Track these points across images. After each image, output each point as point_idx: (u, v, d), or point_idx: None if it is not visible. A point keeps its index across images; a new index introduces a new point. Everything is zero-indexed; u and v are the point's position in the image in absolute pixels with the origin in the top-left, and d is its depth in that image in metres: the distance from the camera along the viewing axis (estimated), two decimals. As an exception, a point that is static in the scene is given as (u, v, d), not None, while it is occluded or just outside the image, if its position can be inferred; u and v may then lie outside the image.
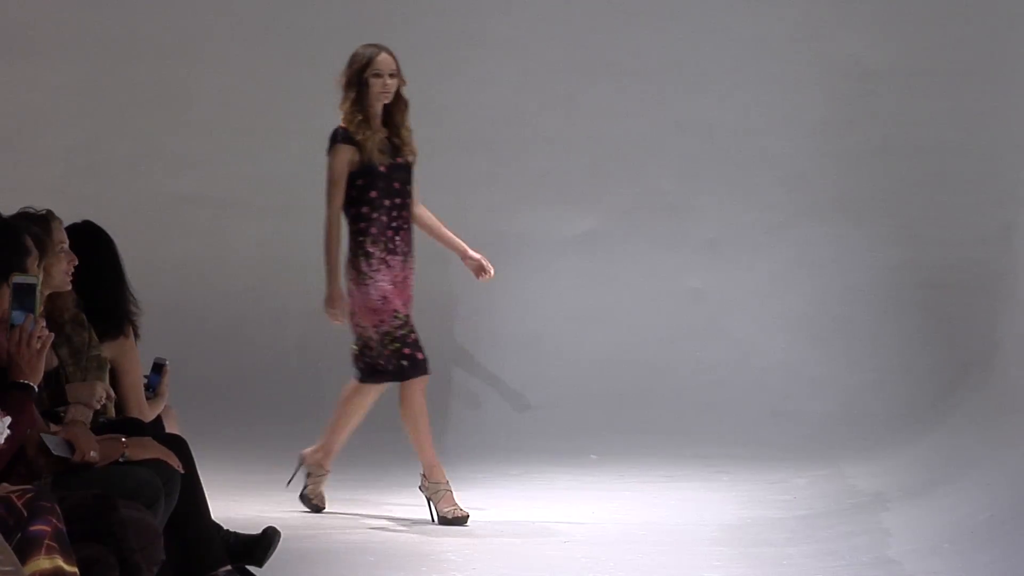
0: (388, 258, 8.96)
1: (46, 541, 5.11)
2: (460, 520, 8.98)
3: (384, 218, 8.96)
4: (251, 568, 7.33)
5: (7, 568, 4.85)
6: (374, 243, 8.96)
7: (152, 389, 7.68)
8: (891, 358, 11.29)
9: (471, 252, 9.35)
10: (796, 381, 10.86)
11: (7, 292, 6.23)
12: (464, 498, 9.91)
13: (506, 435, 11.10)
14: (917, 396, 10.96)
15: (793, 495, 9.93)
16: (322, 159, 11.86)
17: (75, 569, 5.22)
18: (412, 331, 9.05)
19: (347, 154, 8.90)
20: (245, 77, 11.93)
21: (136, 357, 7.60)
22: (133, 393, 7.52)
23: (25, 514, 5.12)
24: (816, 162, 11.33)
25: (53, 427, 6.56)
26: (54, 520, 5.24)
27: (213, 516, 7.20)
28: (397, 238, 8.98)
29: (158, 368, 7.74)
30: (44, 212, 6.89)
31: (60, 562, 5.11)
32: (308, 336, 11.72)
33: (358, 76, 8.88)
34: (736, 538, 8.75)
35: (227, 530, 7.43)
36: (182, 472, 6.80)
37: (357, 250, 9.02)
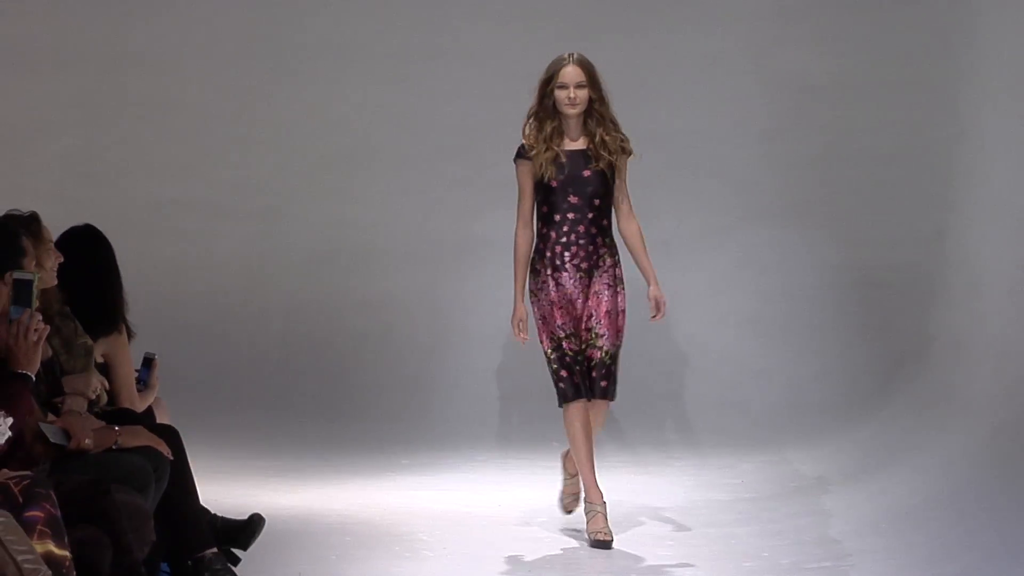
0: (555, 275, 8.17)
1: (39, 527, 5.11)
2: (602, 544, 8.09)
3: (553, 234, 8.20)
4: (235, 551, 7.31)
5: (30, 558, 4.80)
6: (540, 259, 8.26)
7: (143, 382, 7.77)
8: (831, 352, 11.31)
9: (653, 287, 8.28)
10: (743, 373, 10.89)
11: (4, 288, 6.25)
12: (432, 484, 10.03)
13: (475, 423, 11.10)
14: (856, 387, 10.99)
15: (740, 479, 9.96)
16: (299, 168, 11.93)
17: (66, 553, 5.22)
18: (566, 354, 8.13)
19: (523, 168, 8.23)
20: (228, 90, 11.91)
21: (128, 352, 7.65)
22: (125, 385, 7.54)
23: (21, 500, 5.07)
24: (761, 169, 11.36)
25: (50, 416, 6.56)
26: (48, 506, 5.24)
27: (201, 500, 7.19)
28: (567, 254, 8.15)
29: (148, 362, 7.83)
30: (30, 214, 6.86)
31: (51, 547, 5.11)
32: (289, 331, 11.74)
33: (543, 88, 8.25)
34: (687, 519, 8.79)
35: (214, 514, 7.47)
36: (171, 459, 6.87)
37: (531, 267, 8.34)
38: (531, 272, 8.26)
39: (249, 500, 8.91)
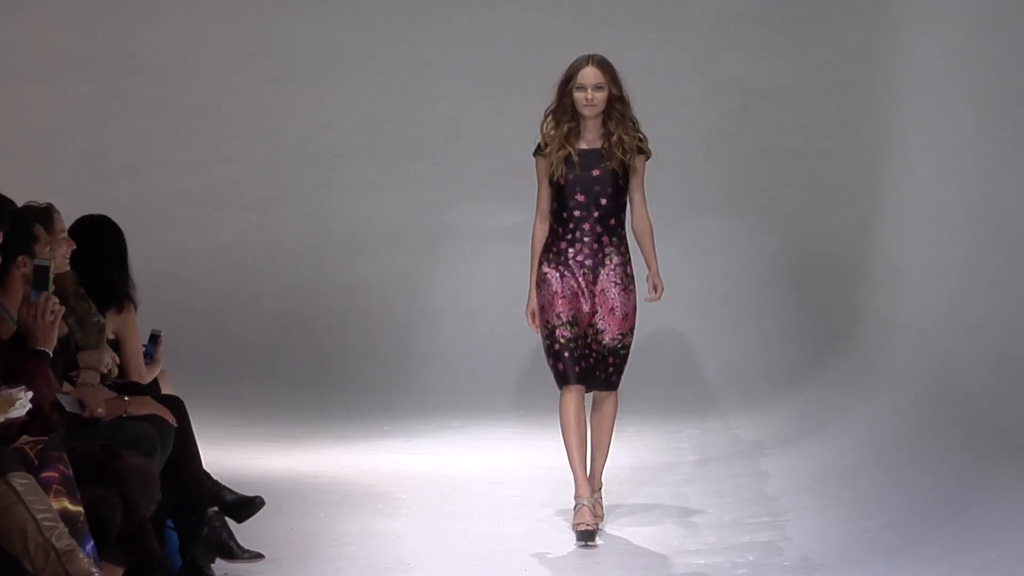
0: (560, 268, 7.48)
1: (55, 486, 5.11)
2: (585, 535, 7.31)
3: (560, 230, 7.51)
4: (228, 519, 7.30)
5: (48, 515, 4.79)
6: (546, 253, 7.54)
7: (149, 356, 7.71)
8: (769, 329, 11.35)
9: (653, 271, 7.60)
10: (690, 348, 10.91)
11: (18, 272, 6.33)
12: (411, 449, 10.00)
13: (448, 393, 11.11)
14: (791, 360, 11.01)
15: (687, 443, 9.95)
16: (289, 165, 11.92)
17: (80, 508, 5.21)
18: (557, 341, 7.42)
19: (540, 164, 7.52)
20: (225, 94, 11.90)
21: (135, 328, 7.58)
22: (133, 359, 7.49)
23: (36, 463, 5.06)
24: (707, 166, 11.39)
25: (66, 387, 6.53)
26: (61, 467, 5.23)
27: (203, 464, 7.17)
28: (571, 250, 7.46)
29: (154, 338, 7.78)
30: (46, 205, 6.85)
31: (66, 503, 5.10)
32: (280, 312, 11.77)
33: (562, 88, 7.46)
34: (640, 479, 8.81)
35: (220, 483, 7.40)
36: (176, 426, 6.84)
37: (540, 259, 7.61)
38: (539, 268, 7.58)
39: (246, 463, 8.95)
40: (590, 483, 7.55)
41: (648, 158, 7.55)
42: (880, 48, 11.05)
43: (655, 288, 7.60)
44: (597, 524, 7.49)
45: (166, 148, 11.83)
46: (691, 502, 8.50)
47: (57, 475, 5.16)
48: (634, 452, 9.50)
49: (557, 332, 7.40)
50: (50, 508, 4.90)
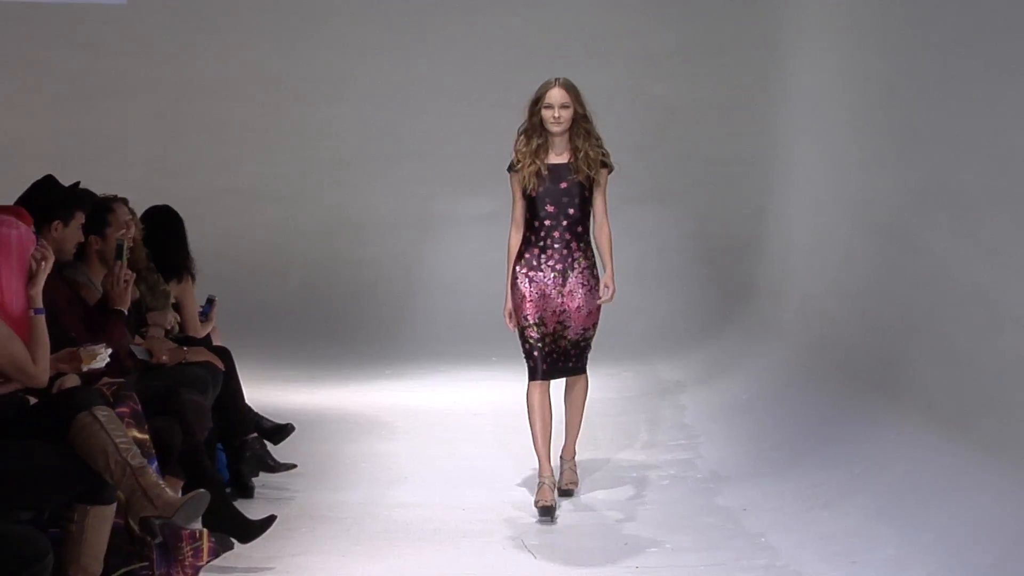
0: (530, 273, 6.68)
1: (126, 418, 5.11)
2: (545, 510, 6.52)
3: (532, 237, 6.70)
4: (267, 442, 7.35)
5: (124, 440, 4.82)
6: (519, 259, 6.72)
7: (204, 315, 7.74)
8: (687, 294, 11.36)
9: (608, 275, 6.71)
10: (625, 310, 10.86)
11: (93, 250, 6.42)
12: (407, 387, 9.99)
13: (436, 344, 11.12)
14: (704, 318, 11.01)
15: (623, 383, 9.95)
16: (311, 167, 11.91)
17: (146, 436, 5.22)
18: (527, 340, 6.70)
19: (513, 179, 6.72)
20: (260, 110, 11.92)
21: (192, 294, 7.62)
22: (191, 319, 7.53)
23: (112, 400, 5.07)
24: (639, 167, 11.36)
25: (138, 340, 6.58)
26: (132, 404, 5.24)
27: (245, 399, 7.22)
28: (543, 256, 6.67)
29: (210, 301, 7.81)
30: (119, 197, 6.89)
31: (135, 432, 5.10)
32: (304, 282, 11.80)
33: (531, 108, 6.70)
34: (587, 412, 8.73)
35: (259, 414, 7.45)
36: (223, 370, 6.90)
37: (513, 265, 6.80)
38: (514, 273, 6.75)
39: (279, 399, 8.94)
40: (564, 452, 7.02)
41: (611, 171, 6.77)
42: (771, 75, 11.07)
43: (607, 288, 6.69)
44: (571, 489, 6.90)
45: (215, 153, 11.82)
46: (624, 429, 8.53)
47: (128, 410, 5.15)
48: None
49: (527, 332, 6.69)
50: (126, 434, 4.89)
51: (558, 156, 6.70)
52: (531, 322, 6.67)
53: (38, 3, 11.62)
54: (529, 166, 6.64)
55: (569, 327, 6.72)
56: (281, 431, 7.48)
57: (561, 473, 6.95)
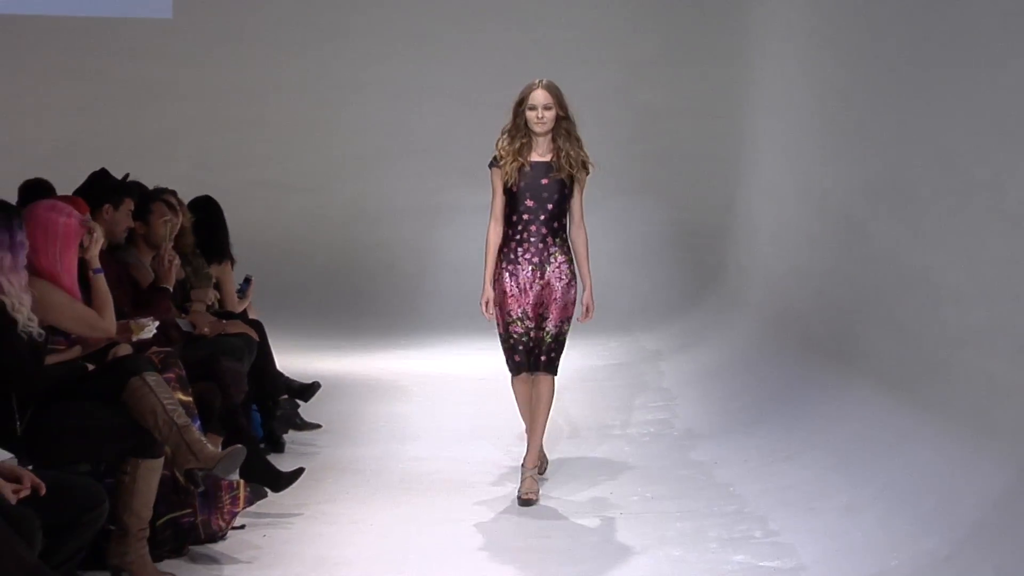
0: (509, 267, 6.02)
1: (173, 383, 5.10)
2: (526, 502, 5.89)
3: (510, 231, 6.05)
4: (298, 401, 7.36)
5: (170, 401, 4.82)
6: (500, 254, 6.05)
7: (242, 293, 7.73)
8: (666, 274, 11.37)
9: (587, 293, 6.11)
10: (611, 287, 10.88)
11: (139, 235, 6.39)
12: (419, 356, 9.98)
13: (444, 317, 11.09)
14: (680, 295, 11.03)
15: (609, 352, 9.97)
16: (336, 161, 11.88)
17: (190, 398, 5.24)
18: (511, 336, 6.04)
19: (495, 174, 6.06)
20: (289, 112, 11.89)
21: (231, 275, 7.67)
22: (230, 295, 7.54)
23: (160, 367, 5.08)
24: (625, 163, 11.45)
25: (183, 315, 6.57)
26: (177, 370, 5.25)
27: (277, 365, 7.23)
28: (520, 249, 6.01)
29: (247, 281, 7.82)
30: (167, 189, 6.89)
31: (180, 395, 5.10)
32: (329, 262, 11.76)
33: (516, 108, 6.08)
34: (576, 378, 8.81)
35: (289, 377, 7.46)
36: (257, 340, 6.89)
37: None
38: (497, 267, 6.07)
39: (307, 365, 8.94)
40: (527, 460, 6.10)
41: (589, 173, 6.09)
42: (740, 82, 11.06)
43: (587, 311, 6.07)
44: (524, 492, 5.97)
45: (250, 150, 11.79)
46: (609, 392, 8.54)
47: (174, 375, 5.15)
48: (573, 359, 9.54)
49: (511, 328, 6.01)
50: (172, 396, 4.89)
51: (541, 156, 6.06)
52: (515, 317, 6.01)
53: (95, 18, 11.66)
54: (512, 162, 6.02)
55: (548, 319, 6.01)
56: (310, 388, 7.54)
57: (523, 481, 6.02)
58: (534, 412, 6.10)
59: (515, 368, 6.07)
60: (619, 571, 5.06)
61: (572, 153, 6.03)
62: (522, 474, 6.06)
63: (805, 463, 6.24)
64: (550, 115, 6.03)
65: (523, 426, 6.35)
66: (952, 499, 5.12)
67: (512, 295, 6.01)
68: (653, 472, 6.56)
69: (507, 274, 6.03)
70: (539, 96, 6.05)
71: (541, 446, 6.21)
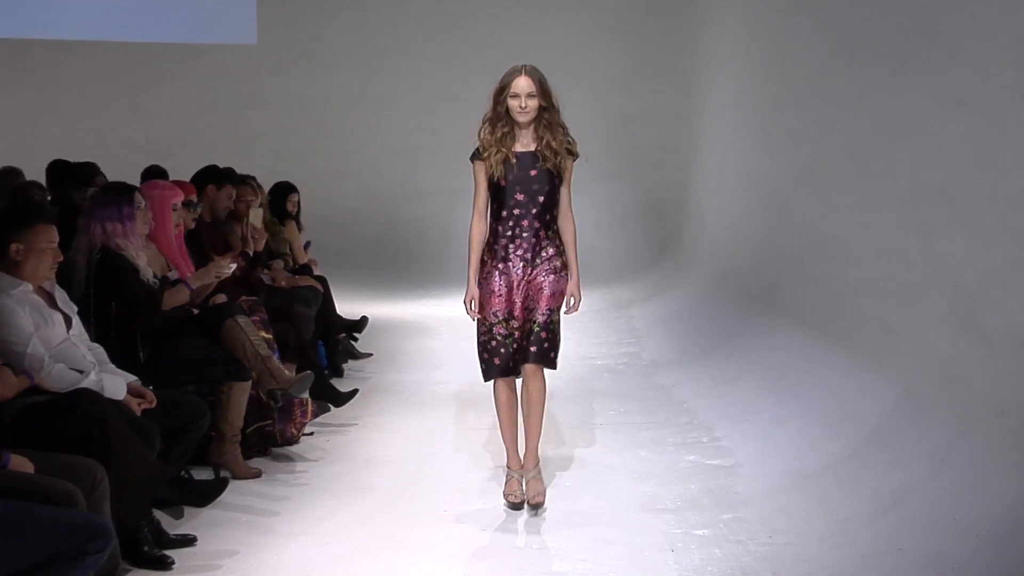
0: (500, 265, 4.52)
1: (258, 324, 5.18)
2: (514, 506, 4.47)
3: (500, 227, 4.55)
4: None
5: (256, 338, 4.85)
6: (488, 250, 4.56)
7: (304, 249, 7.68)
8: (634, 242, 11.26)
9: (572, 283, 4.52)
10: (591, 252, 10.81)
11: (226, 210, 6.30)
12: (445, 303, 9.77)
13: (464, 272, 10.84)
14: (646, 259, 10.90)
15: (591, 300, 9.76)
16: (371, 154, 11.80)
17: (271, 336, 5.28)
18: (494, 338, 4.52)
19: (478, 167, 4.61)
20: (349, 115, 11.72)
21: (299, 237, 7.66)
22: (299, 252, 7.54)
23: (248, 311, 5.11)
24: (602, 156, 11.27)
25: (265, 271, 6.60)
26: (261, 313, 5.32)
27: (337, 310, 7.20)
28: (511, 246, 4.51)
29: (307, 245, 7.75)
30: (248, 175, 6.92)
31: (263, 333, 5.14)
32: (377, 232, 11.63)
33: (496, 96, 4.60)
34: (565, 320, 8.73)
35: (346, 319, 7.46)
36: (322, 291, 6.86)
37: (481, 258, 4.60)
38: (482, 265, 4.59)
39: (360, 310, 8.87)
40: (526, 462, 4.57)
41: (576, 159, 4.58)
42: (692, 91, 10.93)
43: (571, 301, 4.53)
44: (531, 496, 4.50)
45: (317, 145, 11.65)
46: (587, 333, 8.50)
47: (259, 318, 5.20)
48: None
49: (494, 329, 4.51)
50: (257, 334, 4.95)
51: (524, 145, 4.55)
52: (500, 318, 4.51)
53: (198, 44, 11.61)
54: (496, 154, 4.53)
55: (535, 310, 4.49)
56: (361, 322, 7.62)
57: (528, 485, 4.54)
58: (527, 412, 4.52)
59: (495, 372, 4.53)
60: (598, 465, 5.12)
61: (555, 144, 4.53)
62: (524, 476, 4.55)
63: (742, 386, 6.28)
64: (533, 104, 4.53)
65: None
66: (853, 412, 5.18)
67: (499, 295, 4.51)
68: (625, 393, 6.60)
69: (497, 273, 4.53)
70: (522, 84, 4.54)
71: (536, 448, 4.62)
